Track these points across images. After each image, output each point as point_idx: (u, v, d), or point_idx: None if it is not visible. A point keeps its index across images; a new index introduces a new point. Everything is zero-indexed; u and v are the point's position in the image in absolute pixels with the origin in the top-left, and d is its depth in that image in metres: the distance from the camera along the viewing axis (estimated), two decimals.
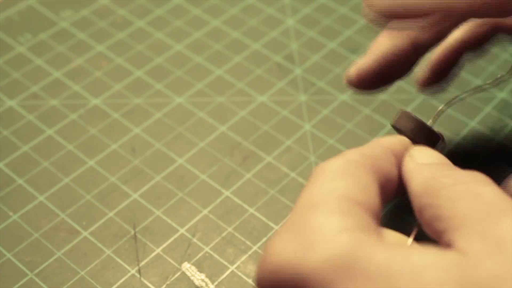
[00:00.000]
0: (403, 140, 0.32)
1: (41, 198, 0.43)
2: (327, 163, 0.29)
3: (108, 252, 0.40)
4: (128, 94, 0.48)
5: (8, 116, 0.47)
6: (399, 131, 0.34)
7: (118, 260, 0.40)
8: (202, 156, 0.45)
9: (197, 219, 0.42)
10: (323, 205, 0.27)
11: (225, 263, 0.40)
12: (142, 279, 0.39)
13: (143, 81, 0.49)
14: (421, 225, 0.28)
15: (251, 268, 0.40)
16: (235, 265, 0.40)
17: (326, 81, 0.49)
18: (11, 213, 0.42)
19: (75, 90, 0.48)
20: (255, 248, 0.41)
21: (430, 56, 0.43)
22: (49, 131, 0.46)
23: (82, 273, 0.39)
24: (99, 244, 0.41)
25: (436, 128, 0.33)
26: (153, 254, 0.40)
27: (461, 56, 0.43)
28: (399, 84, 0.48)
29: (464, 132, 0.46)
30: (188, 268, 0.40)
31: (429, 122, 0.34)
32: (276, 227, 0.41)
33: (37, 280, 0.39)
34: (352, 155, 0.29)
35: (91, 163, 0.44)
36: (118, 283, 0.39)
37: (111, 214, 0.42)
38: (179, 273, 0.40)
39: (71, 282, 0.39)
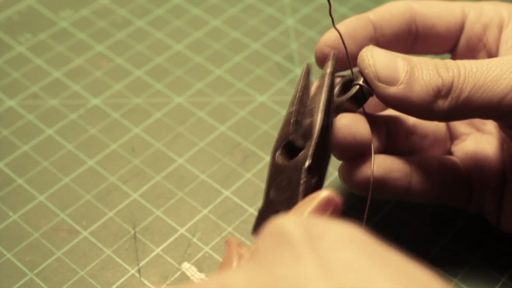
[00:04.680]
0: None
1: (41, 198, 0.43)
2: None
3: (108, 252, 0.40)
4: (128, 94, 0.48)
5: (8, 116, 0.47)
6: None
7: (118, 260, 0.40)
8: (202, 156, 0.45)
9: (197, 219, 0.42)
10: None
11: None
12: (142, 279, 0.39)
13: (143, 81, 0.49)
14: None
15: None
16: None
17: None
18: (11, 213, 0.42)
19: (75, 90, 0.48)
20: None
21: None
22: (49, 131, 0.46)
23: (82, 273, 0.39)
24: (99, 244, 0.41)
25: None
26: (153, 254, 0.40)
27: None
28: None
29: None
30: (188, 268, 0.40)
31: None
32: None
33: (37, 280, 0.39)
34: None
35: (91, 163, 0.44)
36: (118, 283, 0.39)
37: (111, 214, 0.42)
38: (179, 273, 0.40)
39: (71, 282, 0.39)
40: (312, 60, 0.50)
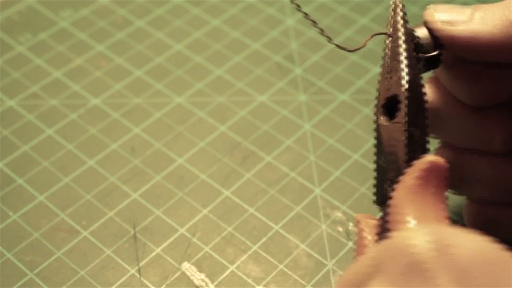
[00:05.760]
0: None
1: (41, 198, 0.43)
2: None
3: (108, 252, 0.40)
4: (128, 94, 0.48)
5: (8, 116, 0.47)
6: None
7: (118, 260, 0.40)
8: (202, 156, 0.45)
9: (197, 219, 0.42)
10: None
11: (225, 263, 0.40)
12: (142, 279, 0.39)
13: (143, 81, 0.49)
14: None
15: (251, 268, 0.40)
16: (235, 265, 0.40)
17: (326, 81, 0.49)
18: (11, 213, 0.42)
19: (75, 90, 0.48)
20: (255, 248, 0.41)
21: None
22: (49, 131, 0.46)
23: (82, 273, 0.39)
24: (99, 244, 0.41)
25: None
26: (153, 254, 0.40)
27: None
28: None
29: None
30: (188, 268, 0.40)
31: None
32: (276, 227, 0.41)
33: (37, 280, 0.39)
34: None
35: (91, 163, 0.44)
36: (118, 283, 0.39)
37: (111, 214, 0.42)
38: (179, 273, 0.40)
39: (71, 282, 0.39)
40: (312, 59, 0.51)
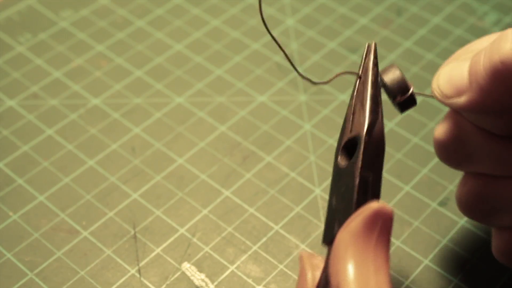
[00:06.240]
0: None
1: (41, 198, 0.43)
2: None
3: (108, 252, 0.40)
4: (128, 94, 0.48)
5: (8, 116, 0.47)
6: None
7: (118, 260, 0.40)
8: (202, 156, 0.45)
9: (197, 219, 0.42)
10: None
11: (225, 263, 0.40)
12: (142, 279, 0.39)
13: (143, 81, 0.49)
14: None
15: (251, 268, 0.40)
16: (235, 265, 0.40)
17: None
18: (11, 213, 0.42)
19: (75, 90, 0.48)
20: (255, 248, 0.41)
21: None
22: (49, 131, 0.46)
23: (82, 273, 0.39)
24: (99, 244, 0.41)
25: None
26: (153, 254, 0.40)
27: None
28: None
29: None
30: (188, 268, 0.40)
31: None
32: (276, 227, 0.41)
33: (37, 280, 0.39)
34: None
35: (91, 163, 0.44)
36: (118, 283, 0.39)
37: (111, 214, 0.42)
38: (179, 273, 0.40)
39: (71, 282, 0.39)
40: (313, 59, 0.51)
